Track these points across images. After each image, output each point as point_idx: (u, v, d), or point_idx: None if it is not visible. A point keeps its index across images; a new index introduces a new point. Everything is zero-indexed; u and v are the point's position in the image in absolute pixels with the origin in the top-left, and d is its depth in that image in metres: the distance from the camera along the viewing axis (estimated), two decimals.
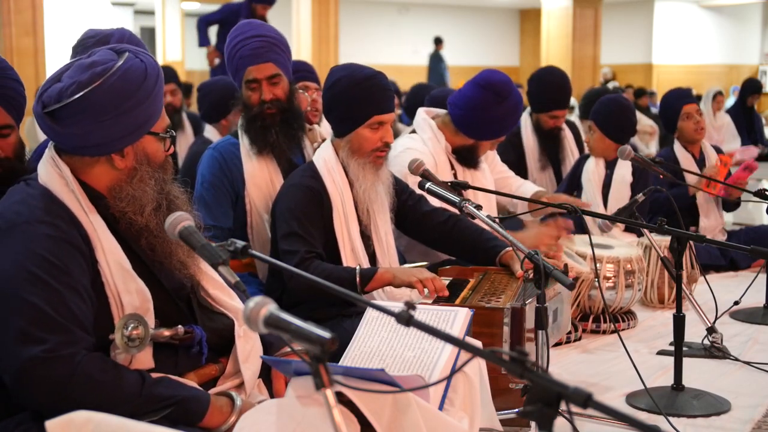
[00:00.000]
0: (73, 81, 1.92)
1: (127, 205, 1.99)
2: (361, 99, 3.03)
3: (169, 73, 5.97)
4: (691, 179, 5.02)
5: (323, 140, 3.46)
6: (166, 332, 1.99)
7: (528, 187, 4.40)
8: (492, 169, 4.27)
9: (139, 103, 1.96)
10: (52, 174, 1.97)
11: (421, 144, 3.81)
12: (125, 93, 1.93)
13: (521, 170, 5.09)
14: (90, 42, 2.69)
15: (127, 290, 1.95)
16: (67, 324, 1.81)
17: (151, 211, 2.00)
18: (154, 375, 1.93)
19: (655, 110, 11.91)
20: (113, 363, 1.88)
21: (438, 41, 17.34)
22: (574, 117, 8.29)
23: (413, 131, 3.97)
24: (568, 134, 5.34)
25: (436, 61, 17.04)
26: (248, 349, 2.14)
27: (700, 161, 5.25)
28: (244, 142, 3.40)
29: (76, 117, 1.92)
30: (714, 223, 5.20)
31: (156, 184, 2.03)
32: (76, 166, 2.00)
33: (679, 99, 5.20)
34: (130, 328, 1.89)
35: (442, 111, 3.97)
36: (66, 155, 2.00)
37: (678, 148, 5.25)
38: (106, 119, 1.92)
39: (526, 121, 5.23)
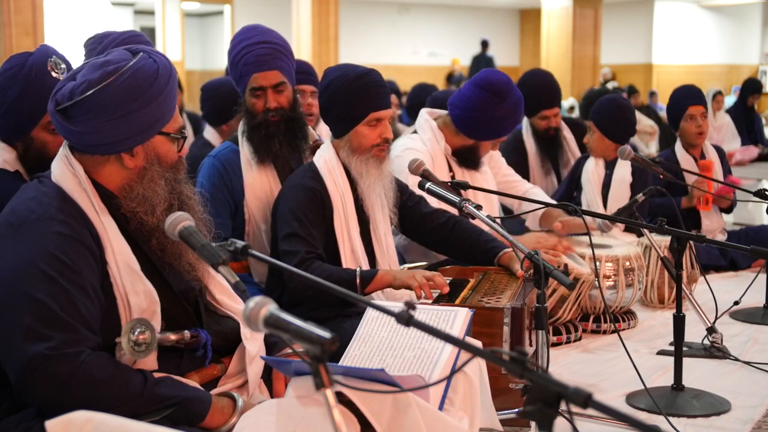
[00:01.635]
0: (84, 79, 1.93)
1: (138, 205, 1.99)
2: (356, 97, 3.03)
3: None
4: (690, 180, 5.01)
5: (315, 141, 3.45)
6: (173, 336, 2.00)
7: (536, 193, 4.29)
8: (496, 172, 4.23)
9: (149, 102, 1.96)
10: (66, 172, 1.98)
11: (420, 144, 3.81)
12: (135, 92, 1.94)
13: (524, 176, 5.08)
14: (90, 43, 2.69)
15: (135, 292, 1.95)
16: (73, 322, 1.81)
17: (163, 211, 2.00)
18: (156, 375, 1.93)
19: (657, 111, 11.92)
20: (116, 362, 1.88)
21: (485, 44, 17.14)
22: (574, 116, 8.30)
23: (415, 132, 3.97)
24: (569, 138, 5.34)
25: (484, 63, 16.64)
26: (255, 350, 2.15)
27: None
28: (244, 150, 3.38)
29: (86, 115, 1.92)
30: (715, 224, 5.21)
31: (166, 184, 2.03)
32: (89, 165, 2.00)
33: (686, 99, 5.14)
34: (136, 333, 1.89)
35: (444, 112, 3.96)
36: (79, 154, 2.00)
37: (679, 150, 5.23)
38: (116, 118, 1.92)
39: (526, 127, 5.23)
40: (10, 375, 1.84)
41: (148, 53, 2.01)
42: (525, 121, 5.22)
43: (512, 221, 4.60)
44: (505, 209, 4.62)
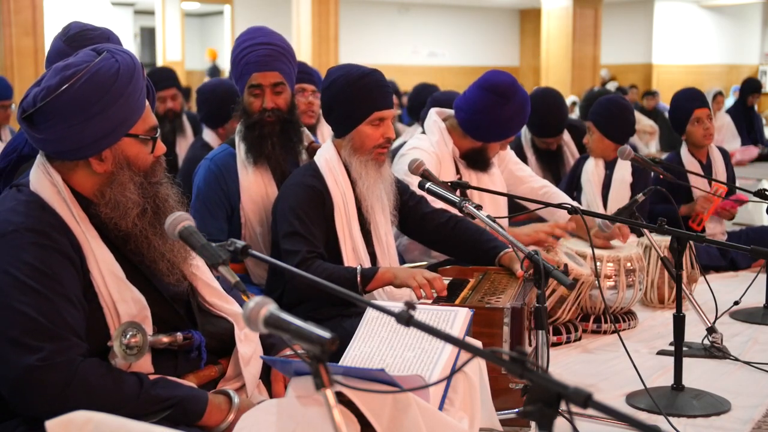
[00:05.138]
0: (45, 85, 1.90)
1: (111, 211, 1.96)
2: (359, 97, 3.03)
3: (171, 77, 5.83)
4: (695, 181, 5.00)
5: (311, 143, 3.45)
6: (165, 339, 1.98)
7: (551, 191, 4.21)
8: (504, 167, 4.21)
9: (111, 104, 1.91)
10: (44, 181, 1.95)
11: (428, 145, 3.78)
12: (94, 95, 1.89)
13: None
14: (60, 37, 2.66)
15: (123, 299, 1.93)
16: (60, 331, 1.80)
17: (136, 215, 1.97)
18: (152, 376, 1.92)
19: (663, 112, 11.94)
20: (110, 367, 1.87)
21: None
22: (575, 115, 8.29)
23: (423, 132, 3.95)
24: (567, 141, 5.33)
25: None
26: (249, 352, 2.13)
27: (707, 167, 5.21)
28: (240, 152, 3.37)
29: (48, 122, 1.90)
30: (716, 225, 5.20)
31: (137, 188, 1.98)
32: (63, 171, 1.97)
33: (691, 102, 5.09)
34: (128, 336, 1.88)
35: (453, 111, 3.93)
36: (54, 161, 1.97)
37: (684, 153, 5.19)
38: (78, 122, 1.89)
39: (526, 138, 5.22)
40: (3, 388, 1.83)
41: (112, 52, 1.96)
42: (526, 133, 5.21)
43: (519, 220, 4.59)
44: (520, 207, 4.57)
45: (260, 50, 3.27)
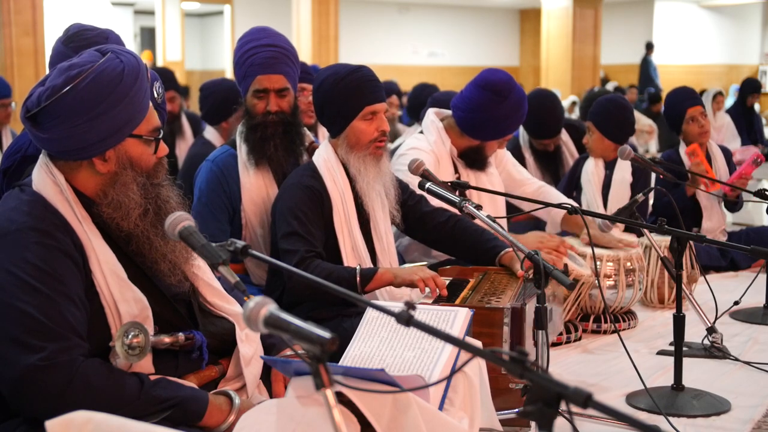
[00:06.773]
0: (50, 85, 1.91)
1: (113, 211, 1.97)
2: (349, 93, 3.04)
3: (169, 80, 5.82)
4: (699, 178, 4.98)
5: (311, 143, 3.45)
6: (167, 339, 1.98)
7: (548, 191, 4.19)
8: (503, 169, 4.21)
9: (115, 104, 1.92)
10: (46, 181, 1.96)
11: (426, 145, 3.79)
12: (99, 95, 1.90)
13: None
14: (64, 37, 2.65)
15: (124, 299, 1.93)
16: (62, 331, 1.80)
17: (138, 216, 1.98)
18: (152, 377, 1.92)
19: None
20: (111, 367, 1.87)
21: (649, 46, 17.23)
22: (575, 115, 8.30)
23: (421, 132, 3.95)
24: (566, 141, 5.34)
25: (646, 65, 17.04)
26: (250, 352, 2.13)
27: (707, 162, 5.22)
28: (242, 153, 3.37)
29: (52, 121, 1.90)
30: (716, 225, 5.19)
31: (140, 189, 1.99)
32: (66, 171, 1.98)
33: (683, 101, 5.12)
34: (130, 336, 1.88)
35: (450, 112, 3.94)
36: (57, 160, 1.98)
37: (683, 150, 5.22)
38: (82, 122, 1.89)
39: (524, 139, 5.23)
40: (4, 388, 1.83)
41: (116, 53, 1.96)
42: (524, 134, 5.22)
43: (515, 224, 4.58)
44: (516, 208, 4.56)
45: (265, 52, 3.27)
